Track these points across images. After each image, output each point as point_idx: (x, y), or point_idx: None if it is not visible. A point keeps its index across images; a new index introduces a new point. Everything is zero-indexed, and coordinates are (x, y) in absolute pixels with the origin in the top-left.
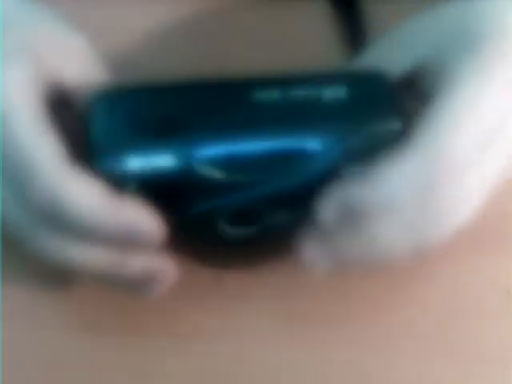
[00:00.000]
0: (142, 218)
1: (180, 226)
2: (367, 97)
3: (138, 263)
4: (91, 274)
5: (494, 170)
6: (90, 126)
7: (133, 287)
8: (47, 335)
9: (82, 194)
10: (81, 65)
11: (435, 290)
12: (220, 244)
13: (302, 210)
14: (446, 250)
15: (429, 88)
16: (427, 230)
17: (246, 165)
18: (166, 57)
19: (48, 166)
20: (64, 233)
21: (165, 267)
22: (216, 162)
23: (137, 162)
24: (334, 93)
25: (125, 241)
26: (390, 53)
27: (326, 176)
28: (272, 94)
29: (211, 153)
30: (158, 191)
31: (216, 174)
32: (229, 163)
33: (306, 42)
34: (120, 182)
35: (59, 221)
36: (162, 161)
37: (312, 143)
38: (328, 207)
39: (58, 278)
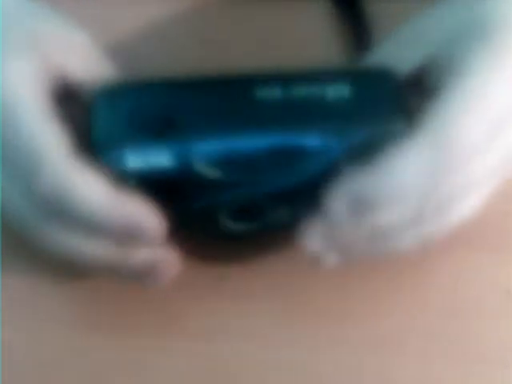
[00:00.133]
0: (144, 214)
1: (181, 221)
2: (371, 94)
3: (142, 255)
4: (95, 265)
5: (501, 159)
6: (93, 121)
7: (137, 278)
8: (47, 335)
9: (88, 187)
10: (84, 60)
11: (435, 290)
12: (221, 239)
13: (304, 205)
14: (446, 250)
15: (436, 83)
16: (435, 219)
17: (245, 163)
18: (165, 57)
19: (54, 158)
20: (68, 225)
21: (168, 258)
22: (215, 160)
23: (136, 160)
24: (337, 90)
25: (127, 235)
26: (398, 51)
27: (328, 173)
28: (274, 92)
29: (210, 151)
30: (157, 188)
31: (215, 172)
32: (228, 161)
33: (306, 42)
34: (120, 179)
35: (64, 213)
36: (161, 159)
37: (312, 141)
38: (339, 199)
39: (57, 278)
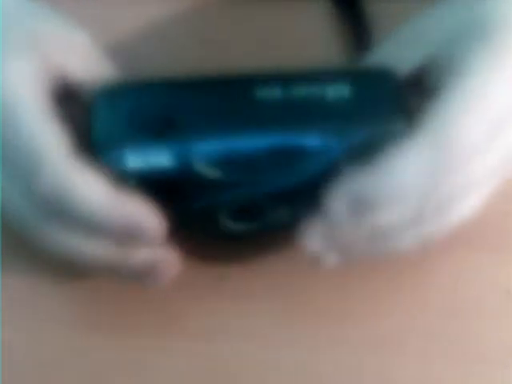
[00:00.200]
0: (144, 214)
1: (181, 221)
2: (371, 94)
3: (142, 255)
4: (95, 265)
5: (501, 159)
6: (93, 121)
7: (136, 278)
8: (47, 335)
9: (88, 187)
10: (84, 60)
11: (435, 290)
12: (221, 239)
13: (304, 205)
14: (446, 250)
15: (436, 83)
16: (435, 218)
17: (245, 163)
18: (165, 57)
19: (54, 157)
20: (68, 225)
21: (168, 258)
22: (215, 160)
23: (136, 159)
24: (337, 90)
25: (127, 235)
26: (398, 51)
27: (328, 173)
28: (274, 92)
29: (210, 151)
30: (157, 188)
31: (215, 172)
32: (228, 161)
33: (306, 42)
34: (120, 179)
35: (64, 213)
36: (161, 158)
37: (312, 141)
38: (339, 199)
39: (57, 277)
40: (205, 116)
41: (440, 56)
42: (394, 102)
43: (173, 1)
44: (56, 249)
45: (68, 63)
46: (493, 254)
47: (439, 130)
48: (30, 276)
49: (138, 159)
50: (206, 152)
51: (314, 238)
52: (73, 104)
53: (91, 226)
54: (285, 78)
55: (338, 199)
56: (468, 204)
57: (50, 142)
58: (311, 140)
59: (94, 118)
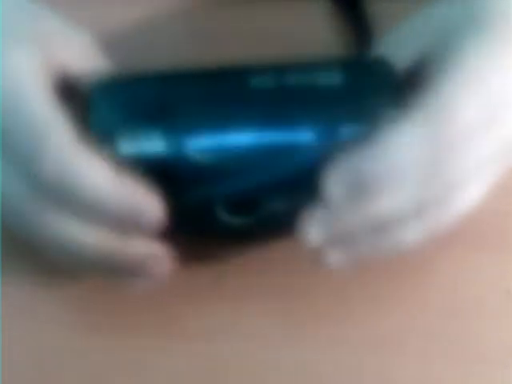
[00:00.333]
0: (147, 199)
1: (178, 216)
2: (366, 84)
3: (138, 247)
4: (89, 258)
5: (501, 145)
6: (90, 113)
7: (130, 273)
8: (47, 335)
9: (93, 171)
10: (82, 56)
11: (435, 290)
12: (219, 235)
13: (300, 197)
14: (445, 250)
15: (431, 71)
16: (438, 209)
17: (238, 153)
18: (165, 57)
19: (58, 140)
20: (67, 211)
21: (162, 253)
22: (209, 147)
23: (129, 146)
24: (331, 78)
25: (130, 220)
26: (396, 46)
27: (322, 163)
28: (268, 80)
29: (204, 138)
30: (151, 176)
31: (208, 160)
32: (220, 150)
33: (306, 42)
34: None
35: (66, 197)
36: (154, 145)
37: (305, 132)
38: (337, 180)
39: (57, 278)
40: (199, 104)
41: (436, 47)
42: (389, 92)
43: (173, 1)
44: (52, 240)
45: (67, 58)
46: (493, 254)
47: (433, 109)
48: (30, 277)
49: (131, 146)
50: (199, 139)
51: (314, 228)
52: (71, 100)
53: (94, 210)
54: (279, 67)
55: (336, 180)
56: (470, 194)
57: (53, 125)
58: (303, 131)
59: (91, 110)
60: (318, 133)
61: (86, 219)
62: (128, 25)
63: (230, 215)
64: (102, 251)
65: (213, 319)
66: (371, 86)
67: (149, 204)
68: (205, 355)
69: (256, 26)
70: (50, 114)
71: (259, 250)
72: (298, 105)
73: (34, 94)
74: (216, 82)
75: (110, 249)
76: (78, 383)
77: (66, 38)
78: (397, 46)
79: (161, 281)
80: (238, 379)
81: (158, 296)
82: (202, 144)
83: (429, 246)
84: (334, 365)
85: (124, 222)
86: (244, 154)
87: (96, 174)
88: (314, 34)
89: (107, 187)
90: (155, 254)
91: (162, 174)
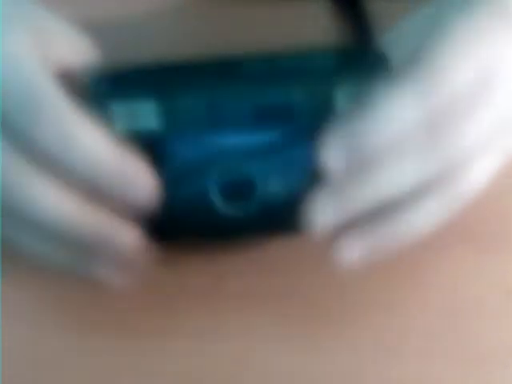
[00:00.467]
0: (142, 171)
1: (175, 213)
2: (358, 63)
3: (111, 224)
4: (63, 231)
5: (503, 123)
6: (87, 99)
7: (100, 258)
8: (47, 335)
9: (92, 135)
10: (77, 50)
11: (435, 290)
12: (216, 230)
13: (298, 181)
14: (445, 249)
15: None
16: (445, 183)
17: (230, 117)
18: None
19: (58, 103)
20: (61, 179)
21: (133, 235)
22: (201, 112)
23: (124, 123)
24: (323, 62)
25: (124, 193)
26: (395, 48)
27: (318, 136)
28: (260, 64)
29: (196, 103)
30: (144, 154)
31: (201, 125)
32: (214, 123)
33: (306, 42)
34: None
35: (62, 162)
36: (148, 122)
37: (298, 98)
38: (334, 150)
39: (57, 278)
40: (192, 78)
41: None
42: (380, 71)
43: (173, 1)
44: (30, 203)
45: (62, 52)
46: (493, 254)
47: (422, 75)
48: (30, 277)
49: (126, 121)
50: (191, 104)
51: (320, 211)
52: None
53: (86, 178)
54: (272, 54)
55: (334, 152)
56: (476, 173)
57: (51, 91)
58: (297, 98)
59: (89, 96)
60: (310, 98)
61: (71, 184)
62: (123, 21)
63: (225, 202)
64: (75, 221)
65: (213, 319)
66: (363, 65)
67: (144, 175)
68: (205, 355)
69: (256, 26)
70: (49, 82)
71: (259, 250)
72: (291, 76)
73: (34, 67)
74: (210, 67)
75: (83, 219)
76: (78, 383)
77: (61, 34)
78: (396, 45)
79: (131, 273)
80: (238, 379)
81: (158, 296)
82: (193, 106)
83: (429, 246)
84: (334, 365)
85: (112, 191)
86: (235, 117)
87: (94, 137)
88: (313, 34)
89: (104, 151)
90: (125, 231)
91: (156, 150)
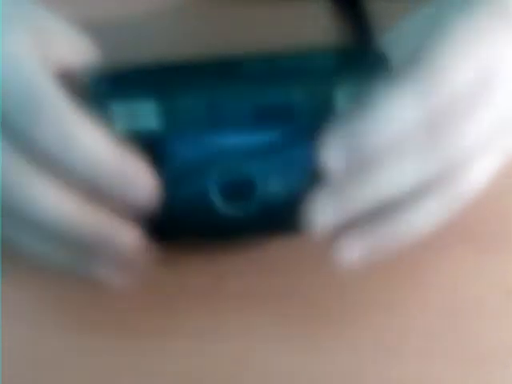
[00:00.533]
0: (142, 171)
1: (175, 213)
2: (358, 63)
3: (111, 224)
4: (62, 230)
5: (503, 122)
6: (87, 98)
7: (99, 257)
8: (47, 335)
9: (92, 135)
10: (77, 50)
11: (435, 290)
12: (216, 230)
13: (297, 180)
14: (445, 249)
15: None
16: (445, 182)
17: (232, 124)
18: (164, 54)
19: (60, 103)
20: (61, 179)
21: (133, 234)
22: (201, 123)
23: (124, 122)
24: (323, 61)
25: (123, 192)
26: (395, 47)
27: (317, 135)
28: (260, 64)
29: (196, 103)
30: (144, 154)
31: (201, 124)
32: (214, 123)
33: (305, 42)
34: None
35: (62, 162)
36: (147, 122)
37: (298, 97)
38: (334, 150)
39: (56, 278)
40: (192, 78)
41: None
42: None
43: (172, 1)
44: (29, 202)
45: (62, 52)
46: (493, 254)
47: (421, 75)
48: (30, 277)
49: (126, 121)
50: (190, 103)
51: (320, 211)
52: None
53: (86, 177)
54: (271, 55)
55: (334, 152)
56: (476, 173)
57: (52, 91)
58: (297, 97)
59: (89, 95)
60: (310, 98)
61: (71, 184)
62: (123, 21)
63: (225, 202)
64: (75, 221)
65: (213, 319)
66: (363, 65)
67: (144, 175)
68: (205, 355)
69: (256, 26)
70: (49, 82)
71: (259, 250)
72: (291, 76)
73: (34, 67)
74: (210, 67)
75: (83, 219)
76: (78, 383)
77: (61, 33)
78: (396, 45)
79: (131, 273)
80: (238, 379)
81: (158, 296)
82: (193, 106)
83: (429, 246)
84: (334, 365)
85: (112, 191)
86: (237, 123)
87: (94, 137)
88: (313, 34)
89: (104, 151)
90: (125, 232)
91: (156, 150)
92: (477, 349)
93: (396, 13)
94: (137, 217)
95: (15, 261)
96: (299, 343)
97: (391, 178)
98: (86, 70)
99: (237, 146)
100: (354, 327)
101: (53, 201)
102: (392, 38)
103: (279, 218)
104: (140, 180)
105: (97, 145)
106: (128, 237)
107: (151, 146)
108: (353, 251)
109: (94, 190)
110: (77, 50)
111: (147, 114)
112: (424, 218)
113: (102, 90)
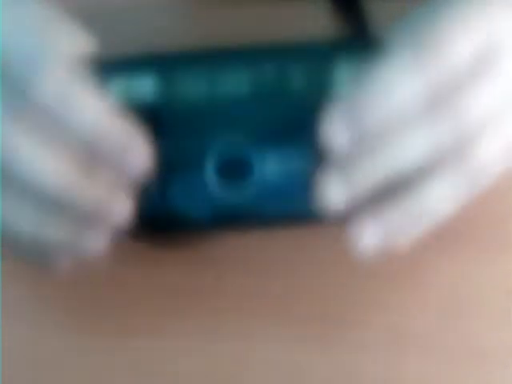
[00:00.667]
0: (137, 137)
1: (172, 197)
2: (356, 45)
3: (102, 189)
4: (51, 192)
5: (503, 102)
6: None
7: (87, 222)
8: (47, 335)
9: (92, 97)
10: (80, 42)
11: (435, 290)
12: (213, 218)
13: (294, 163)
14: (445, 250)
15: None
16: (455, 158)
17: (229, 98)
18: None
19: (63, 65)
20: (60, 143)
21: (124, 200)
22: (198, 95)
23: (121, 91)
24: (321, 42)
25: (120, 157)
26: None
27: (316, 114)
28: (259, 47)
29: (194, 78)
30: (142, 124)
31: (199, 107)
32: (211, 96)
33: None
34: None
35: (61, 121)
36: (144, 90)
37: (297, 73)
38: (337, 125)
39: (56, 278)
40: (191, 58)
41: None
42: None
43: (173, 1)
44: (35, 175)
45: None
46: (493, 254)
47: (421, 42)
48: (29, 278)
49: (123, 89)
50: (189, 79)
51: (333, 187)
52: None
53: (80, 137)
54: (271, 43)
55: (336, 122)
56: (484, 151)
57: (58, 53)
58: (296, 72)
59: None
60: (310, 75)
61: (70, 148)
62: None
63: (221, 183)
64: (64, 185)
65: (213, 319)
66: (362, 46)
67: (139, 144)
68: (205, 355)
69: (256, 26)
70: (55, 44)
71: (259, 250)
72: (290, 54)
73: (43, 24)
74: (209, 51)
75: (73, 184)
76: (78, 383)
77: (65, 27)
78: (395, 45)
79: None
80: (238, 379)
81: (158, 296)
82: (192, 82)
83: (428, 246)
84: (334, 365)
85: (109, 154)
86: (232, 92)
87: (94, 99)
88: (313, 34)
89: (103, 113)
90: (116, 196)
91: (153, 120)
92: (477, 349)
93: (395, 13)
94: (132, 189)
95: (15, 262)
96: (299, 343)
97: (398, 152)
98: (86, 61)
99: (235, 123)
100: (354, 327)
101: (52, 164)
102: (391, 39)
103: (278, 203)
104: (136, 146)
105: (96, 106)
106: (122, 205)
107: (150, 120)
108: (367, 238)
109: (91, 154)
110: (79, 46)
111: (146, 88)
112: (436, 200)
113: (102, 67)
